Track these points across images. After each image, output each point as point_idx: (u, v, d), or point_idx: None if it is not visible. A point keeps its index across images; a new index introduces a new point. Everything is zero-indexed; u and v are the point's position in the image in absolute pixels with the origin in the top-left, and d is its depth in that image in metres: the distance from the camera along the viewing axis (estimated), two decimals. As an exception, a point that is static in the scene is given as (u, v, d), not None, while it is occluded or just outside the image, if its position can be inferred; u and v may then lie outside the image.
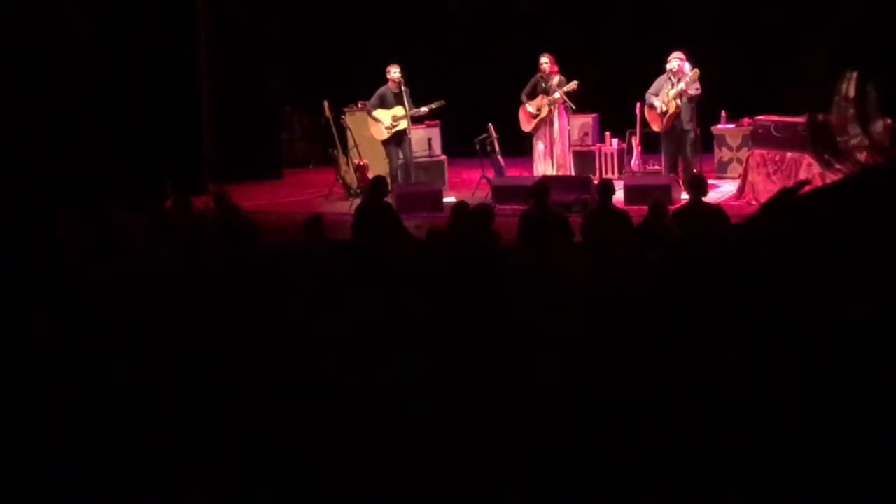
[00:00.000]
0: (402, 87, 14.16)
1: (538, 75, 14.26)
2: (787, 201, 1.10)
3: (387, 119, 14.15)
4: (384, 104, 14.23)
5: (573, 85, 13.96)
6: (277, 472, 3.31)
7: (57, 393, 3.90)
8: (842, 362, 0.95)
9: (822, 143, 1.13)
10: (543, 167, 14.26)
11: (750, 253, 1.08)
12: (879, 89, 1.09)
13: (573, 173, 14.25)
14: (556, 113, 14.20)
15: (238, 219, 9.77)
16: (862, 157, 1.09)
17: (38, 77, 13.90)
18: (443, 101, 14.19)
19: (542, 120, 14.25)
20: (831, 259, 1.00)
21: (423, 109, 14.26)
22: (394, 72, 14.19)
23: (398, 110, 14.14)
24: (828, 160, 1.13)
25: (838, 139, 1.13)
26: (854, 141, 1.09)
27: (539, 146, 14.39)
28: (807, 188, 1.10)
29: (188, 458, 3.42)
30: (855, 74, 1.11)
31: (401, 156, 14.27)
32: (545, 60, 14.16)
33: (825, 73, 1.13)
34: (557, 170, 14.17)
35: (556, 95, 14.02)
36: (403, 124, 14.16)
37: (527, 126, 14.42)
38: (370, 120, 14.35)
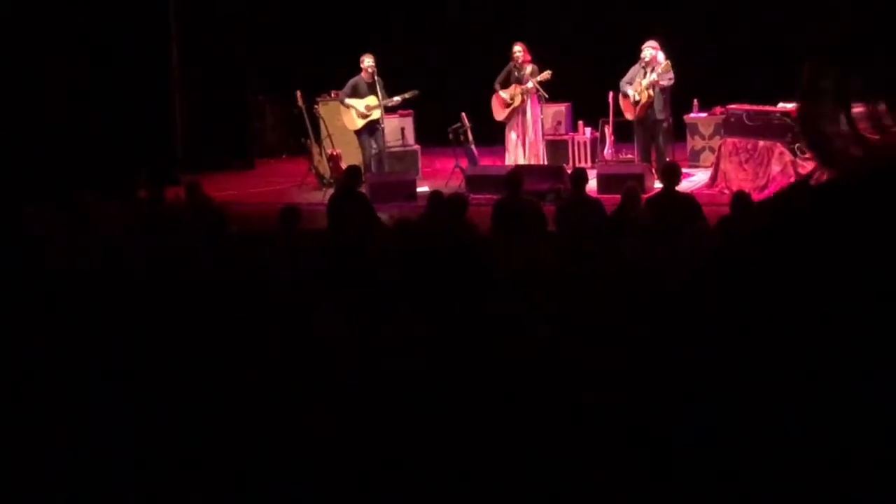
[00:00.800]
0: (376, 78, 14.13)
1: (511, 64, 14.25)
2: (800, 194, 1.11)
3: (360, 107, 14.12)
4: (357, 94, 14.19)
5: (546, 74, 13.96)
6: (274, 471, 3.30)
7: (44, 390, 3.88)
8: (835, 358, 0.96)
9: (811, 133, 1.13)
10: (516, 157, 14.26)
11: (739, 249, 1.08)
12: (857, 77, 1.09)
13: (546, 162, 14.25)
14: (528, 102, 14.20)
15: (210, 210, 9.74)
16: (848, 144, 1.09)
17: (17, 73, 13.82)
18: (416, 91, 14.17)
19: (515, 109, 14.24)
20: (823, 255, 1.00)
21: (397, 99, 14.24)
22: (367, 62, 14.16)
23: (371, 100, 14.11)
24: (820, 150, 1.13)
25: (828, 128, 1.13)
26: (842, 128, 1.09)
27: (511, 135, 14.39)
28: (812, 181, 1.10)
29: (183, 457, 3.42)
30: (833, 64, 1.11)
31: (374, 146, 14.25)
32: (518, 49, 14.15)
33: (814, 65, 1.14)
34: (530, 159, 14.17)
35: (529, 85, 14.02)
36: (376, 114, 14.13)
37: (500, 115, 14.41)
38: (343, 109, 14.33)
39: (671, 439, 1.08)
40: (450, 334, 3.99)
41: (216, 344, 4.23)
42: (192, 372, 3.96)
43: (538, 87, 14.05)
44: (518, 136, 14.32)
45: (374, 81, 14.13)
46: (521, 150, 14.28)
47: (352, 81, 14.25)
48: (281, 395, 3.78)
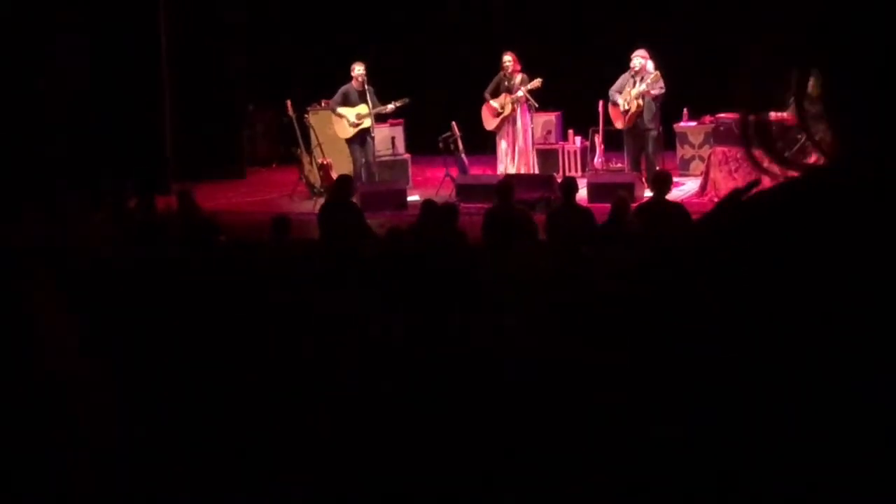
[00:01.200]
0: (366, 86, 14.15)
1: (501, 73, 14.28)
2: (738, 202, 1.11)
3: (351, 116, 14.15)
4: (347, 102, 14.21)
5: (537, 82, 13.99)
6: (274, 471, 3.31)
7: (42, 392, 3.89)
8: (834, 356, 0.97)
9: (757, 142, 1.14)
10: (506, 166, 14.29)
11: (700, 254, 1.09)
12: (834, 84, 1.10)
13: (536, 171, 14.28)
14: (518, 111, 14.23)
15: (201, 219, 9.75)
16: (812, 157, 1.10)
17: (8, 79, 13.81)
18: (407, 99, 14.19)
19: (505, 118, 14.27)
20: (779, 259, 1.02)
21: (390, 107, 14.25)
22: (358, 70, 14.18)
23: (362, 108, 14.13)
24: (757, 162, 1.14)
25: (797, 137, 1.14)
26: (808, 141, 1.10)
27: (502, 144, 14.42)
28: (756, 188, 1.11)
29: (181, 458, 3.43)
30: (816, 70, 1.12)
31: (362, 156, 14.27)
32: (508, 59, 14.18)
33: (773, 68, 1.14)
34: (520, 168, 14.19)
35: (520, 93, 14.05)
36: (367, 122, 14.15)
37: (490, 124, 14.44)
38: (334, 117, 14.34)
39: (672, 440, 1.09)
40: (443, 337, 4.02)
41: (212, 348, 4.24)
42: (187, 374, 3.97)
43: (528, 95, 14.09)
44: (508, 145, 14.36)
45: (364, 90, 14.15)
46: (511, 160, 14.31)
47: (342, 90, 14.28)
48: (278, 397, 3.80)
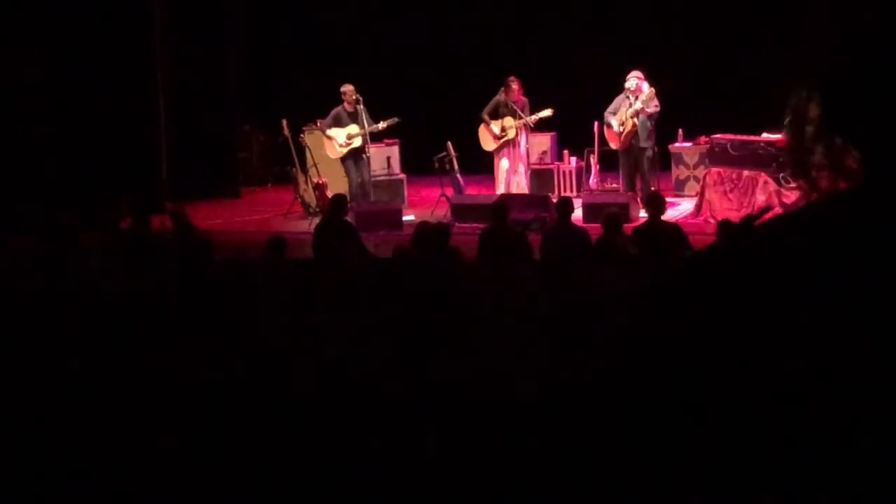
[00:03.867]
0: (358, 106, 14.15)
1: (502, 96, 14.20)
2: (750, 228, 1.11)
3: (341, 137, 14.17)
4: (339, 123, 14.23)
5: (548, 112, 13.95)
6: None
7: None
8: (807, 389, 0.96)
9: (797, 163, 1.13)
10: (508, 185, 14.25)
11: (708, 279, 1.08)
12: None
13: (530, 192, 14.26)
14: (522, 135, 14.23)
15: (195, 238, 9.72)
16: (822, 178, 1.09)
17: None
18: (397, 118, 14.17)
19: (508, 141, 14.25)
20: (794, 285, 1.01)
21: (381, 125, 14.23)
22: (347, 91, 14.19)
23: (352, 129, 14.14)
24: (806, 181, 1.13)
25: (811, 159, 1.13)
26: (815, 160, 1.09)
27: (503, 163, 14.37)
28: (768, 214, 1.10)
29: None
30: (815, 92, 1.11)
31: (358, 174, 14.27)
32: (515, 86, 14.10)
33: (802, 92, 1.14)
34: (514, 188, 14.16)
35: (530, 118, 13.99)
36: (358, 142, 14.15)
37: (489, 145, 14.41)
38: (325, 139, 14.36)
39: (665, 457, 1.08)
40: (411, 355, 4.00)
41: (181, 362, 4.23)
42: (178, 390, 3.95)
43: (532, 124, 14.07)
44: (510, 164, 14.31)
45: (356, 110, 14.16)
46: (513, 178, 14.27)
47: (334, 112, 14.29)
48: (261, 416, 3.78)
